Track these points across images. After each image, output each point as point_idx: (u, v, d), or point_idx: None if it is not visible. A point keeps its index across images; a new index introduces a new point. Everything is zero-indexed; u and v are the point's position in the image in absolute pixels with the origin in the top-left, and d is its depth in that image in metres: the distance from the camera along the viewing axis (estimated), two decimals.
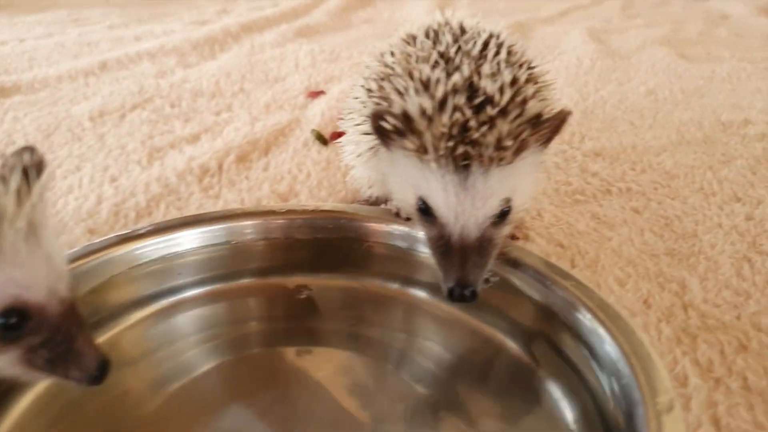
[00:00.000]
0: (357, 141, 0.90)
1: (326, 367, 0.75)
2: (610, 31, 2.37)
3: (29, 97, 1.58)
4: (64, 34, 2.08)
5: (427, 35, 0.88)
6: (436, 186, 0.72)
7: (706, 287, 0.96)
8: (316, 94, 1.68)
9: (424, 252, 0.81)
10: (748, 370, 0.80)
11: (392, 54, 0.86)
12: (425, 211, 0.75)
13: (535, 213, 1.15)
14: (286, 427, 0.68)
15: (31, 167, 0.58)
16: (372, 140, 0.84)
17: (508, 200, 0.75)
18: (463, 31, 0.88)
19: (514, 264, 0.81)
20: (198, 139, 1.38)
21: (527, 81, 0.79)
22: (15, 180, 0.54)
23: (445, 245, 0.73)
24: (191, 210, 1.10)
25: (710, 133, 1.52)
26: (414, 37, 0.89)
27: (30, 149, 0.59)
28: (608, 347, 0.68)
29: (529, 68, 0.88)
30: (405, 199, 0.79)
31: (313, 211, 0.85)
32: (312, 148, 1.37)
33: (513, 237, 1.07)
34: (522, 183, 0.77)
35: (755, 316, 0.90)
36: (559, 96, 1.69)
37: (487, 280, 0.84)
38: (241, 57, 1.95)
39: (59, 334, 0.56)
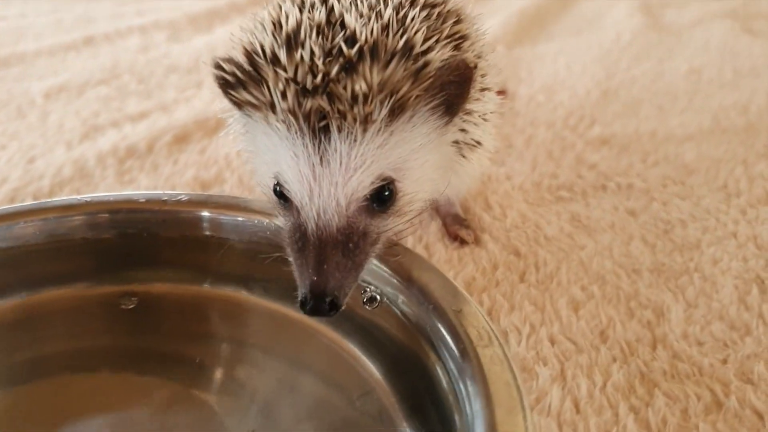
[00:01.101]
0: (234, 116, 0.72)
1: (134, 397, 0.59)
2: (669, 4, 2.06)
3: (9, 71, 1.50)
4: (68, 11, 2.00)
5: None
6: (287, 156, 0.55)
7: (691, 317, 0.74)
8: None
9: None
10: None
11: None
12: (281, 195, 0.58)
13: (499, 211, 0.94)
14: None
15: None
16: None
17: (386, 179, 0.56)
18: None
19: (401, 275, 0.61)
20: (146, 117, 1.24)
21: (426, 27, 0.59)
22: None
23: (301, 238, 0.55)
24: None
25: (756, 119, 1.24)
26: None
27: None
28: (468, 405, 0.48)
29: (457, 21, 0.68)
30: (266, 183, 0.61)
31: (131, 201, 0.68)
32: None
33: (461, 241, 0.87)
34: (413, 160, 0.59)
35: (748, 361, 0.67)
36: (575, 74, 1.46)
37: (373, 299, 0.65)
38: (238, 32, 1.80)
39: None
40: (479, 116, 0.70)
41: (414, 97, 0.55)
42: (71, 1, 2.14)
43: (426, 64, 0.56)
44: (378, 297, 0.64)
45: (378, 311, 0.63)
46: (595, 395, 0.63)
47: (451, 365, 0.54)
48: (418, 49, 0.56)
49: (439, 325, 0.56)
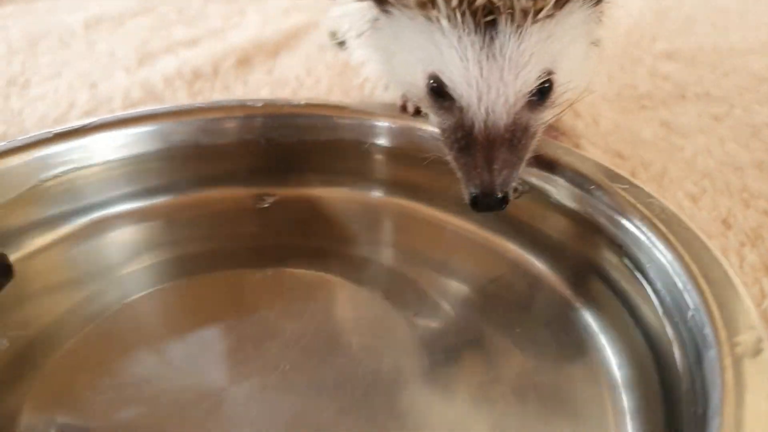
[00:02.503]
0: (355, 13, 0.70)
1: (294, 290, 0.58)
2: None
3: (23, 7, 1.44)
4: None
5: None
6: (451, 54, 0.53)
7: None
8: None
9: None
10: None
11: None
12: (439, 93, 0.56)
13: (590, 119, 0.93)
14: (237, 358, 0.53)
15: None
16: (368, 6, 0.64)
17: (548, 73, 0.55)
18: None
19: (548, 164, 0.61)
20: (198, 43, 1.21)
21: None
22: None
23: (465, 138, 0.54)
24: None
25: None
26: None
27: None
28: (670, 269, 0.48)
29: None
30: (412, 81, 0.59)
31: (283, 105, 0.68)
32: (328, 52, 1.17)
33: None
34: (568, 52, 0.57)
35: None
36: None
37: (515, 189, 0.65)
38: None
39: None
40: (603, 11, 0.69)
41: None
42: None
43: None
44: (520, 187, 0.63)
45: (528, 204, 0.62)
46: (737, 273, 0.64)
47: (627, 239, 0.54)
48: None
49: (606, 205, 0.56)
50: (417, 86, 0.58)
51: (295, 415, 0.47)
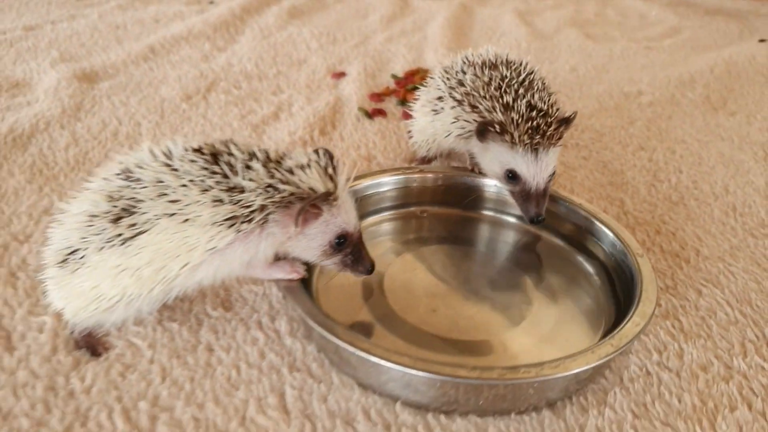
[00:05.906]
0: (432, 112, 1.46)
1: (430, 257, 1.35)
2: (531, 13, 3.00)
3: (116, 81, 1.97)
4: (84, 17, 2.40)
5: (484, 64, 1.44)
6: (521, 161, 1.29)
7: (634, 202, 1.63)
8: (339, 75, 2.11)
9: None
10: (661, 243, 1.49)
11: (463, 72, 1.42)
12: (511, 178, 1.34)
13: None
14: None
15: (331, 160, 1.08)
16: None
17: (554, 169, 1.34)
18: (508, 64, 1.45)
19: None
20: (278, 117, 1.86)
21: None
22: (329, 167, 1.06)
23: (526, 195, 1.31)
24: None
25: (618, 101, 2.19)
26: (472, 63, 1.45)
27: (324, 150, 1.06)
28: (611, 235, 1.32)
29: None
30: (494, 170, 1.36)
31: (432, 171, 1.46)
32: (364, 122, 1.88)
33: None
34: (556, 160, 1.37)
35: (662, 217, 1.58)
36: None
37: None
38: (258, 40, 2.39)
39: (356, 248, 1.09)
40: None
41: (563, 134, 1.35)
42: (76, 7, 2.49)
43: (564, 119, 1.35)
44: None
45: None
46: None
47: (586, 223, 1.38)
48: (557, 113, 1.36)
49: (572, 210, 1.40)
50: (496, 172, 1.36)
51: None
